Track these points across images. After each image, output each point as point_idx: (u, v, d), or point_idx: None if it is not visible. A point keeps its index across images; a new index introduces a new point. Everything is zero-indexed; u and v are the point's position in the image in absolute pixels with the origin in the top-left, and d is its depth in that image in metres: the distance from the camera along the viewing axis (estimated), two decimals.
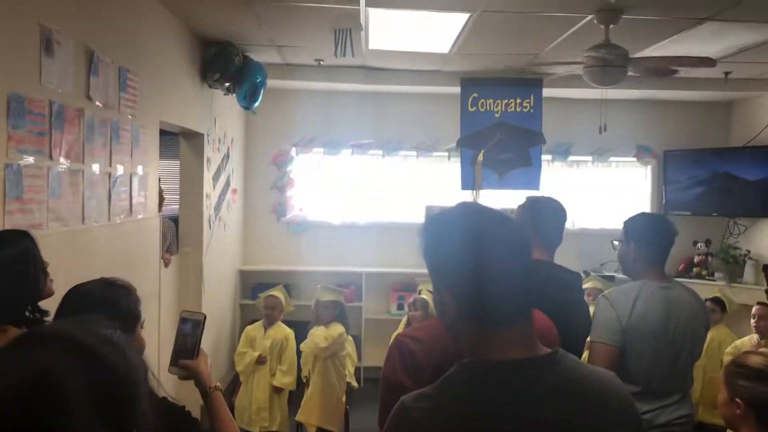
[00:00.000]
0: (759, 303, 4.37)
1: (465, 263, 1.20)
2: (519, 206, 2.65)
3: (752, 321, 4.36)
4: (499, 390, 1.16)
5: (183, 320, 1.87)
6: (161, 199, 4.52)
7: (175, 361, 1.83)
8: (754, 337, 4.32)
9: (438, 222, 1.29)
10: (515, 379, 1.17)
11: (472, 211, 1.27)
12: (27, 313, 1.95)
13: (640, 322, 2.44)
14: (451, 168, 6.54)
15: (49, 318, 2.00)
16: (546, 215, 2.56)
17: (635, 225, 2.68)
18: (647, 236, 2.62)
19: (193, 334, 1.84)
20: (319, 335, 4.80)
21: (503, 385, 1.17)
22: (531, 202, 2.65)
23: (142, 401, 0.91)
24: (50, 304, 2.06)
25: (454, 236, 1.22)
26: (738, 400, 1.91)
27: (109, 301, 1.67)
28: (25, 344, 0.89)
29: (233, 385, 5.47)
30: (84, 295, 1.70)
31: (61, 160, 2.69)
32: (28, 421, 0.81)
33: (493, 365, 1.19)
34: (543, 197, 2.68)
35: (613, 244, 2.76)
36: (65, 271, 2.26)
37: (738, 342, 4.46)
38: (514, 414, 1.14)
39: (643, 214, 2.76)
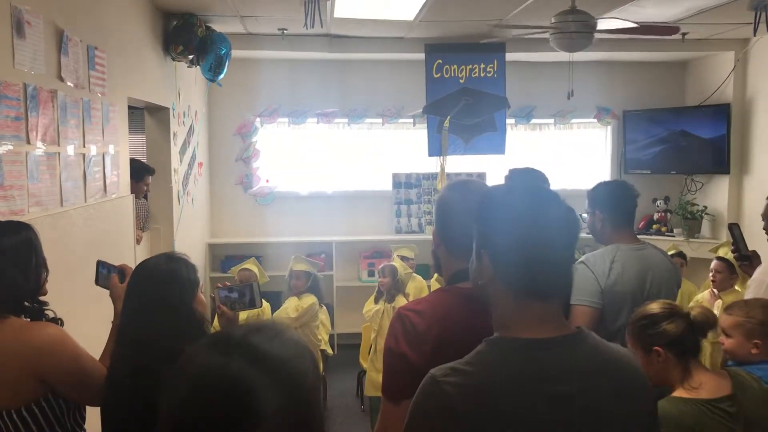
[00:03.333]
0: (717, 258, 4.57)
1: (518, 229, 1.26)
2: (505, 178, 2.74)
3: (710, 275, 4.56)
4: (530, 367, 1.23)
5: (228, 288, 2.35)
6: (146, 189, 4.54)
7: None
8: (712, 291, 4.52)
9: (501, 190, 1.36)
10: (543, 357, 1.24)
11: (533, 187, 1.35)
12: (27, 303, 1.97)
13: (617, 282, 2.57)
14: (418, 135, 6.60)
15: (49, 310, 2.03)
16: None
17: (597, 194, 2.81)
18: (609, 203, 2.76)
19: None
20: (290, 306, 4.88)
21: (534, 363, 1.23)
22: (513, 174, 2.74)
23: (319, 414, 0.94)
24: (64, 294, 2.08)
25: (514, 203, 1.29)
26: (657, 348, 2.02)
27: (173, 272, 1.95)
28: (218, 348, 0.88)
29: None
30: (151, 269, 1.97)
31: (38, 143, 2.66)
32: (217, 424, 0.82)
33: (523, 343, 1.26)
34: (525, 169, 2.78)
35: (581, 217, 2.88)
36: (48, 255, 2.25)
37: (698, 296, 4.65)
38: (542, 391, 1.21)
39: (603, 182, 2.88)
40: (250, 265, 4.95)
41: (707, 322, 2.03)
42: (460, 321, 1.66)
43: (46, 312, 2.03)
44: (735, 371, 2.13)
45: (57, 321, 2.04)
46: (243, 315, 4.65)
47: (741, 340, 2.37)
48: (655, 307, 2.10)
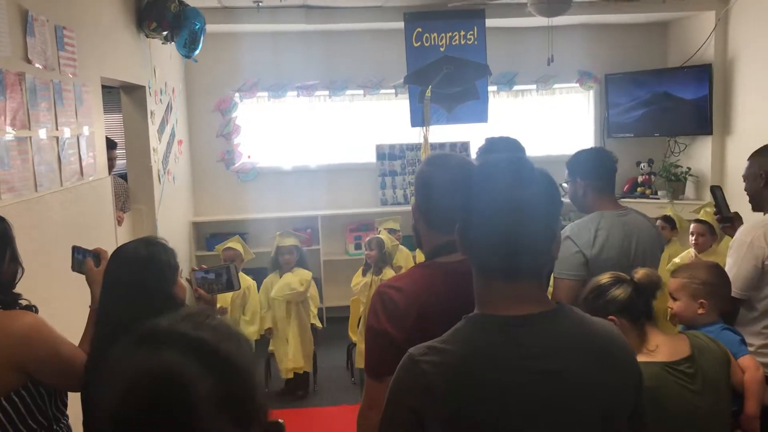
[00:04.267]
0: (696, 221, 4.59)
1: (491, 209, 1.24)
2: (479, 148, 2.72)
3: (691, 238, 4.59)
4: (508, 344, 1.22)
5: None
6: (112, 163, 4.46)
7: None
8: (692, 251, 4.55)
9: (480, 168, 1.33)
10: (523, 334, 1.23)
11: (515, 162, 1.30)
12: (0, 296, 1.93)
13: (603, 250, 2.57)
14: (400, 105, 6.53)
15: (24, 300, 2.00)
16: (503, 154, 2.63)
17: (577, 162, 2.80)
18: (589, 170, 2.75)
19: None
20: (293, 281, 4.89)
21: (511, 339, 1.22)
22: (489, 143, 2.71)
23: (258, 393, 0.93)
24: (53, 282, 2.05)
25: (490, 182, 1.26)
26: (611, 317, 2.02)
27: (152, 257, 1.94)
28: (146, 342, 0.88)
29: None
30: (130, 254, 1.96)
31: (8, 128, 2.60)
32: (155, 419, 0.82)
33: (502, 320, 1.24)
34: (501, 137, 2.75)
35: (562, 186, 2.86)
36: (24, 242, 2.22)
37: (677, 258, 4.68)
38: (523, 367, 1.20)
39: (581, 150, 2.87)
40: (234, 244, 4.92)
41: (652, 282, 2.05)
42: (441, 296, 1.66)
43: (20, 301, 2.00)
44: (693, 333, 2.16)
45: (31, 308, 2.02)
46: (228, 296, 4.70)
47: (687, 301, 2.42)
48: (601, 278, 2.12)
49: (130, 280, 1.91)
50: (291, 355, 4.89)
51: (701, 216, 4.56)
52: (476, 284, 1.31)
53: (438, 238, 1.75)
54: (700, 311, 2.39)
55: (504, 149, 2.72)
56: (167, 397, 0.83)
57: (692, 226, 4.62)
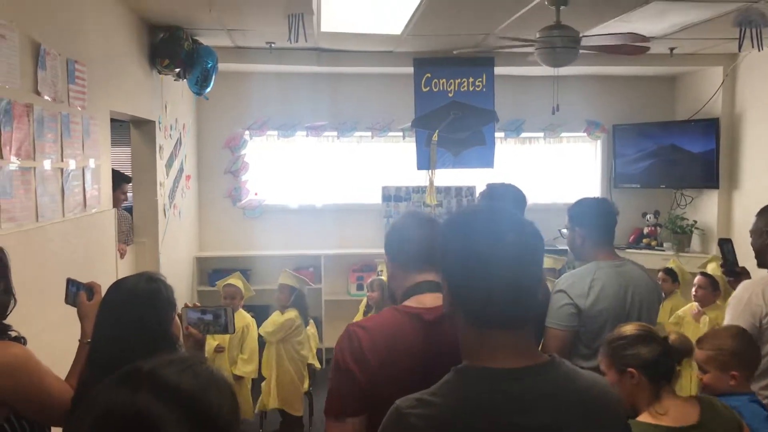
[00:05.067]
0: (701, 273, 4.54)
1: (473, 259, 1.22)
2: (480, 194, 2.72)
3: (693, 290, 4.54)
4: (500, 398, 1.19)
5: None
6: (123, 197, 4.51)
7: None
8: (695, 305, 4.50)
9: (460, 217, 1.34)
10: (516, 387, 1.20)
11: (494, 212, 1.30)
12: None
13: (597, 302, 2.54)
14: (407, 148, 6.58)
15: (14, 332, 1.98)
16: (503, 201, 2.64)
17: (577, 211, 2.79)
18: (590, 220, 2.74)
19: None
20: (271, 321, 4.87)
21: (504, 393, 1.19)
22: (490, 188, 2.72)
23: None
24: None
25: (471, 232, 1.25)
26: (631, 370, 1.99)
27: (154, 293, 1.91)
28: (125, 383, 0.87)
29: None
30: (131, 289, 1.92)
31: (12, 158, 2.63)
32: None
33: (491, 373, 1.22)
34: (502, 184, 2.77)
35: (561, 232, 2.86)
36: (21, 272, 2.22)
37: (680, 311, 4.62)
38: (512, 422, 1.18)
39: (583, 199, 2.86)
40: (235, 280, 4.91)
41: (684, 348, 2.01)
42: (408, 342, 1.66)
43: (9, 332, 1.98)
44: (707, 398, 2.08)
45: (20, 340, 2.00)
46: (223, 338, 4.66)
47: (717, 374, 2.31)
48: (631, 328, 2.08)
49: (128, 315, 1.87)
50: (265, 391, 4.83)
51: (708, 270, 4.51)
52: (466, 335, 1.28)
53: (410, 278, 1.78)
54: (732, 382, 2.28)
55: (504, 195, 2.72)
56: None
57: (696, 278, 4.57)
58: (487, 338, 1.24)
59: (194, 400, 0.87)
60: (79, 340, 2.18)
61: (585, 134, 7.03)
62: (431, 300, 1.73)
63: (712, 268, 4.45)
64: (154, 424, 0.82)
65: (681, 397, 2.06)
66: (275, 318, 4.89)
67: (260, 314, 5.24)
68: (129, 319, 1.87)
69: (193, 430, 0.84)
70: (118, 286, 1.97)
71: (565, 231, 2.81)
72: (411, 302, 1.73)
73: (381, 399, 1.62)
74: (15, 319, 2.01)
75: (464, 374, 1.24)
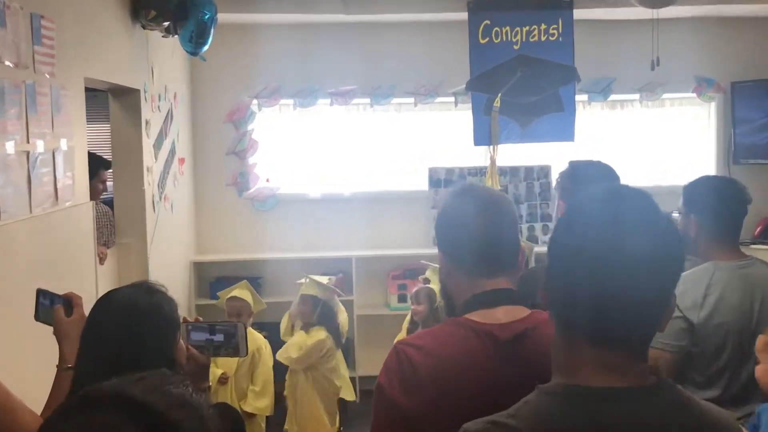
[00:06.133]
0: None
1: (583, 260, 1.25)
2: (560, 174, 2.73)
3: None
4: (590, 424, 1.23)
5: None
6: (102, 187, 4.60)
7: None
8: None
9: (577, 206, 1.37)
10: (610, 412, 1.23)
11: (620, 197, 1.31)
12: None
13: (715, 313, 2.53)
14: (460, 118, 6.57)
15: None
16: (592, 184, 2.63)
17: (695, 192, 2.77)
18: (712, 205, 2.71)
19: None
20: (294, 343, 4.92)
21: (595, 418, 1.23)
22: (573, 168, 2.72)
23: None
24: None
25: (588, 224, 1.28)
26: None
27: (156, 310, 1.93)
28: (84, 404, 0.93)
29: None
30: (127, 304, 1.95)
31: None
32: None
33: (585, 392, 1.25)
34: (589, 162, 2.76)
35: (672, 216, 2.83)
36: None
37: None
38: None
39: (705, 177, 2.85)
40: (242, 291, 4.97)
41: None
42: (476, 367, 1.65)
43: None
44: None
45: None
46: (233, 360, 4.73)
47: None
48: None
49: (122, 338, 1.91)
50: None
51: None
52: (557, 347, 1.33)
53: (475, 284, 1.76)
54: None
55: (592, 177, 2.72)
56: None
57: None
58: (578, 351, 1.28)
59: (161, 419, 0.92)
60: (57, 366, 2.24)
61: (694, 95, 6.93)
62: (505, 314, 1.72)
63: None
64: None
65: None
66: (301, 339, 4.92)
67: (274, 334, 5.30)
68: (123, 343, 1.90)
69: None
70: (108, 299, 2.01)
71: (676, 215, 2.78)
72: (477, 316, 1.72)
73: None
74: None
75: (549, 393, 1.27)
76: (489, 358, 1.64)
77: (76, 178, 3.85)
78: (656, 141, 7.02)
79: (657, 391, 1.27)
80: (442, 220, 1.86)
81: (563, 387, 1.27)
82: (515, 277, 1.79)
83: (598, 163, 2.86)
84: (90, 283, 4.12)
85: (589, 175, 2.73)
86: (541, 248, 5.32)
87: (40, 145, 3.36)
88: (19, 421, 2.00)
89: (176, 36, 5.23)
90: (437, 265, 5.61)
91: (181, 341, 2.06)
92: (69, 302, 2.32)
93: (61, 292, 2.38)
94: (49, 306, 2.34)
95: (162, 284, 2.09)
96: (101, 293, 4.26)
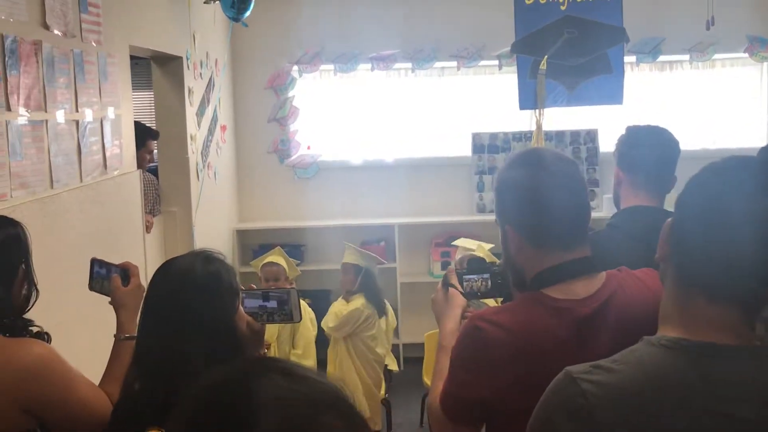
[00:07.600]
0: None
1: (714, 221, 1.29)
2: (618, 140, 2.69)
3: None
4: (697, 378, 1.25)
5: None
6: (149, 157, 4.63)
7: None
8: None
9: (710, 171, 1.37)
10: (720, 368, 1.25)
11: (751, 163, 1.37)
12: (6, 321, 2.01)
13: None
14: (505, 81, 6.50)
15: (36, 327, 2.08)
16: (650, 149, 2.60)
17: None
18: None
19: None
20: (333, 312, 4.98)
21: (703, 372, 1.25)
22: (631, 134, 2.68)
23: None
24: None
25: (721, 189, 1.31)
26: None
27: (215, 278, 1.94)
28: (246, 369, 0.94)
29: None
30: (185, 273, 1.95)
31: (21, 110, 2.74)
32: None
33: (694, 346, 1.27)
34: (646, 127, 2.72)
35: None
36: (35, 251, 2.33)
37: None
38: (706, 408, 1.23)
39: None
40: (276, 257, 4.98)
41: None
42: (556, 347, 1.62)
43: (31, 327, 2.08)
44: None
45: (43, 336, 2.09)
46: (273, 326, 4.78)
47: None
48: None
49: (184, 307, 1.91)
50: None
51: None
52: (668, 296, 1.36)
53: (548, 256, 1.70)
54: None
55: (651, 143, 2.67)
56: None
57: None
58: (692, 306, 1.31)
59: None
60: (115, 336, 2.27)
61: (746, 55, 6.79)
62: (584, 287, 1.67)
63: None
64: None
65: None
66: (338, 307, 4.98)
67: (319, 302, 5.35)
68: (188, 313, 1.90)
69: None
70: (168, 268, 2.01)
71: None
72: (555, 291, 1.66)
73: (508, 415, 1.64)
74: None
75: (656, 343, 1.30)
76: (569, 338, 1.62)
77: (123, 147, 3.89)
78: (706, 103, 6.91)
79: (759, 351, 1.30)
80: (512, 194, 1.75)
81: (673, 340, 1.30)
82: (587, 242, 1.73)
83: (657, 128, 2.81)
84: (138, 251, 4.17)
85: (647, 142, 2.68)
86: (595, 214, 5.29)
87: (88, 114, 3.40)
88: (89, 405, 2.03)
89: (218, 2, 5.22)
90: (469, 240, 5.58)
91: (241, 308, 2.07)
92: (126, 272, 2.34)
93: (111, 261, 2.40)
94: (106, 275, 2.36)
95: (220, 252, 2.09)
96: (149, 262, 4.37)
